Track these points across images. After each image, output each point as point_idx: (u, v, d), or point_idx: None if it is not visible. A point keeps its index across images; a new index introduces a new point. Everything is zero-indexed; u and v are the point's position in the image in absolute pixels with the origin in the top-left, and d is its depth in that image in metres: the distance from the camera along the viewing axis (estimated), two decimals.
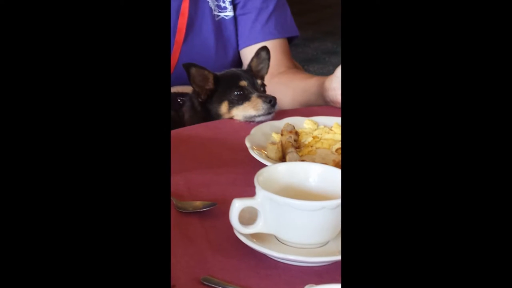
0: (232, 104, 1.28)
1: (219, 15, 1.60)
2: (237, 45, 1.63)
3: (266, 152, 1.08)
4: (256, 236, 0.82)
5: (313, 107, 1.37)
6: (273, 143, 1.09)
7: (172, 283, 0.73)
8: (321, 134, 1.17)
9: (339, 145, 1.12)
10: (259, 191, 0.81)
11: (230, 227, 0.83)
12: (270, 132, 1.17)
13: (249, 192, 0.83)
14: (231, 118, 1.28)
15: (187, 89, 1.35)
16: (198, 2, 1.57)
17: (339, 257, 0.77)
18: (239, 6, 1.61)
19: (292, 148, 1.08)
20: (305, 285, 0.68)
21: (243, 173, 1.03)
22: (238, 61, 1.64)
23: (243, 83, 1.29)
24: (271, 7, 1.62)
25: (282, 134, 1.15)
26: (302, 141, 1.15)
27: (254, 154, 1.06)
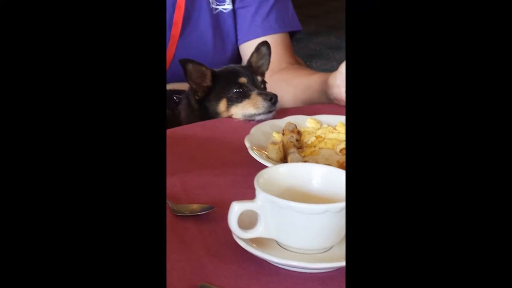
0: (231, 102, 1.27)
1: (217, 8, 1.60)
2: (236, 40, 1.62)
3: (266, 153, 1.08)
4: (256, 241, 0.82)
5: (316, 105, 1.37)
6: (274, 143, 1.09)
7: None
8: (325, 134, 1.17)
9: (343, 145, 1.12)
10: (259, 193, 0.81)
11: (228, 232, 0.83)
12: (271, 131, 1.17)
13: (249, 194, 0.83)
14: (230, 117, 1.28)
15: (184, 86, 1.35)
16: None
17: (343, 263, 0.77)
18: None
19: (294, 149, 1.08)
20: None
21: (242, 174, 1.03)
22: (237, 57, 1.63)
23: (243, 80, 1.29)
24: (272, 0, 1.61)
25: (283, 134, 1.15)
26: (305, 141, 1.15)
27: (254, 154, 1.06)
